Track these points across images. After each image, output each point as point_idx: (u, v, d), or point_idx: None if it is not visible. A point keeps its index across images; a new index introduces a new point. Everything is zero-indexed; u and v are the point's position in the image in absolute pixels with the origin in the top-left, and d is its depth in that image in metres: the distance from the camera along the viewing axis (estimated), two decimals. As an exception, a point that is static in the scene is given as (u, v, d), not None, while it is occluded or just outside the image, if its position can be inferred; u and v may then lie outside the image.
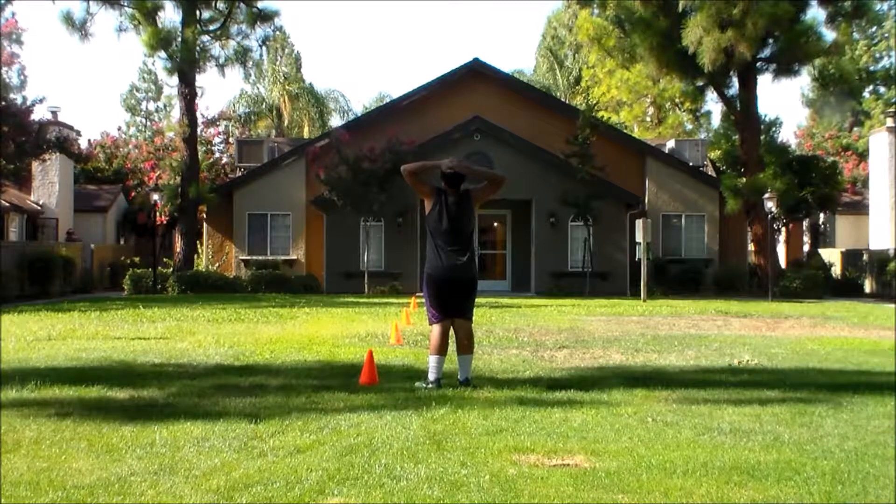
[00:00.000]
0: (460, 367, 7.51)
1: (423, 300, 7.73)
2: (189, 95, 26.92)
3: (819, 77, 37.08)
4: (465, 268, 7.41)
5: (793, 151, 30.98)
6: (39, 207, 29.01)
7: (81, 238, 28.78)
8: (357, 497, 4.24)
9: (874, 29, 43.31)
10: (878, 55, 44.21)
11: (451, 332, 7.53)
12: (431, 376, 7.41)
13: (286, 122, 44.86)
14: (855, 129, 43.36)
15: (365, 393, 7.09)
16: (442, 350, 7.41)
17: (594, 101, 41.86)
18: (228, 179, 30.66)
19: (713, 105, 45.16)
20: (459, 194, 7.48)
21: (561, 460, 4.97)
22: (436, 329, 7.46)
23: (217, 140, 36.79)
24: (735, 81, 26.65)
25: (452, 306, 7.44)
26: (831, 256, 29.68)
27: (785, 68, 26.44)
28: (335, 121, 44.31)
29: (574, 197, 24.26)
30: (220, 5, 27.64)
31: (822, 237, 34.75)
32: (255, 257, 26.48)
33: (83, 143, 35.53)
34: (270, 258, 26.41)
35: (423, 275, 7.67)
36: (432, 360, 7.44)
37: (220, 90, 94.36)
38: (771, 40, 25.51)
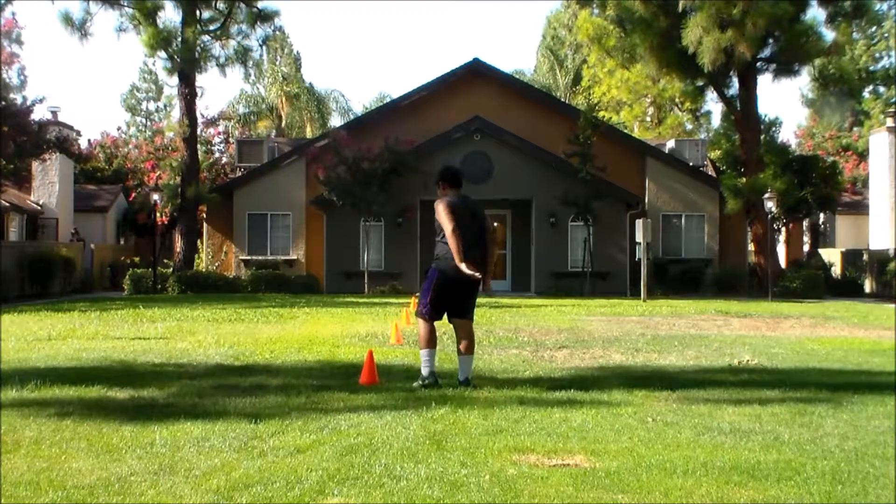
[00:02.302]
0: (461, 367, 7.50)
1: (421, 292, 7.62)
2: (189, 95, 26.91)
3: (819, 77, 37.07)
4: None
5: (793, 151, 30.98)
6: (39, 207, 29.01)
7: (85, 237, 28.79)
8: (357, 497, 4.24)
9: (874, 29, 43.26)
10: (877, 55, 44.17)
11: (449, 328, 7.50)
12: (425, 371, 7.41)
13: (285, 122, 44.83)
14: (855, 129, 43.35)
15: (365, 393, 7.09)
16: (432, 343, 7.42)
17: (595, 101, 41.91)
18: (228, 179, 30.66)
19: (713, 105, 45.18)
20: (475, 209, 7.51)
21: (561, 460, 4.97)
22: (425, 323, 7.46)
23: (217, 140, 36.78)
24: (735, 81, 26.66)
25: (453, 306, 7.45)
26: (831, 256, 29.68)
27: (785, 68, 26.45)
28: (335, 121, 44.31)
29: (574, 197, 24.23)
30: (220, 5, 27.62)
31: (822, 237, 34.76)
32: (254, 257, 26.48)
33: (83, 143, 35.57)
34: (270, 258, 26.41)
35: (424, 271, 7.62)
36: (424, 354, 7.43)
37: (220, 90, 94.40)
38: (771, 40, 25.51)
